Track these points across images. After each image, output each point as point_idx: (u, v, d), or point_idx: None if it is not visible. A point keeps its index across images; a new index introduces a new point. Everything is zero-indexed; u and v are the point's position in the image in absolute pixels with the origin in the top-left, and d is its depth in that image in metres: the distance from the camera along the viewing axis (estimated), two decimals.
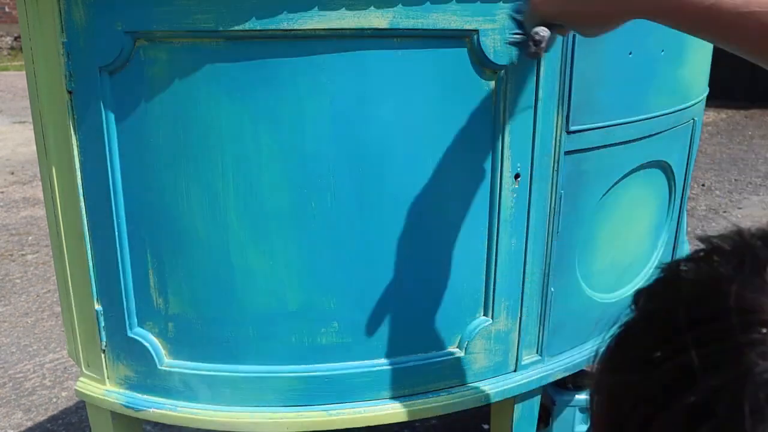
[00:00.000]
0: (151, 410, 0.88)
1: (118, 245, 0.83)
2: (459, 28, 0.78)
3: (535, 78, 0.84)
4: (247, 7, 0.73)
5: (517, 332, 0.94)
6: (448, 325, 0.90)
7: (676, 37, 1.04)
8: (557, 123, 0.88)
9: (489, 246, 0.89)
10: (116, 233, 0.83)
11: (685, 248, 1.44)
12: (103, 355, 0.89)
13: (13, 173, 3.96)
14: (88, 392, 0.91)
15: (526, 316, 0.95)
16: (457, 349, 0.92)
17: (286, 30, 0.74)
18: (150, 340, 0.87)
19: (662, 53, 1.00)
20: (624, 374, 0.32)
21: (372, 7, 0.74)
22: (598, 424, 0.33)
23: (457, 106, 0.81)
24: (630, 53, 0.94)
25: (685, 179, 1.24)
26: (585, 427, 1.35)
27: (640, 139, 1.02)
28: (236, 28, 0.73)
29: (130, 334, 0.87)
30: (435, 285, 0.87)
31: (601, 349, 0.34)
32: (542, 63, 0.84)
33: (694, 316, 0.30)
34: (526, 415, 1.01)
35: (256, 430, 0.86)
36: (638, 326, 0.33)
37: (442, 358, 0.91)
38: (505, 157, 0.85)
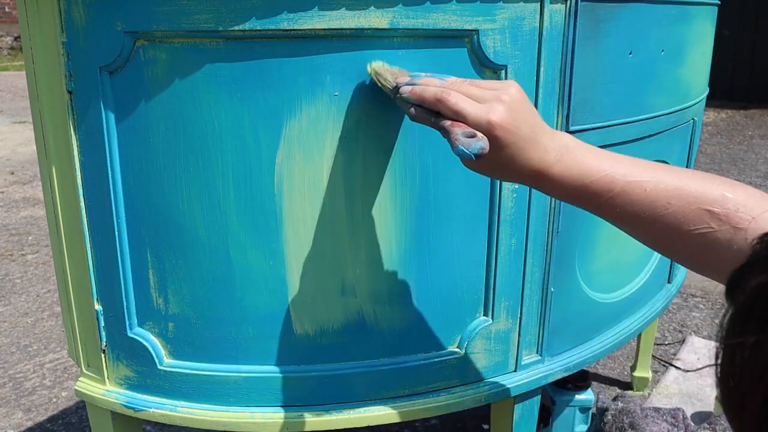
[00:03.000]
0: (151, 410, 0.88)
1: (118, 245, 0.83)
2: (459, 28, 0.78)
3: (535, 78, 0.84)
4: (247, 7, 0.73)
5: (517, 332, 0.95)
6: (448, 325, 0.90)
7: (676, 37, 1.04)
8: (557, 123, 0.88)
9: (489, 246, 0.89)
10: (116, 233, 0.83)
11: None
12: (103, 355, 0.89)
13: (13, 173, 3.96)
14: (88, 392, 0.91)
15: (526, 316, 0.95)
16: (457, 349, 0.92)
17: (286, 30, 0.74)
18: (150, 340, 0.87)
19: (662, 53, 1.00)
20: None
21: (372, 7, 0.74)
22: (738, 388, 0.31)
23: None
24: (630, 53, 0.94)
25: None
26: (585, 427, 1.35)
27: (640, 139, 1.02)
28: (236, 28, 0.73)
29: (130, 334, 0.87)
30: (435, 285, 0.88)
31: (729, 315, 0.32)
32: (542, 63, 0.84)
33: None
34: (526, 415, 1.01)
35: (256, 430, 0.86)
36: None
37: (442, 358, 0.91)
38: None
